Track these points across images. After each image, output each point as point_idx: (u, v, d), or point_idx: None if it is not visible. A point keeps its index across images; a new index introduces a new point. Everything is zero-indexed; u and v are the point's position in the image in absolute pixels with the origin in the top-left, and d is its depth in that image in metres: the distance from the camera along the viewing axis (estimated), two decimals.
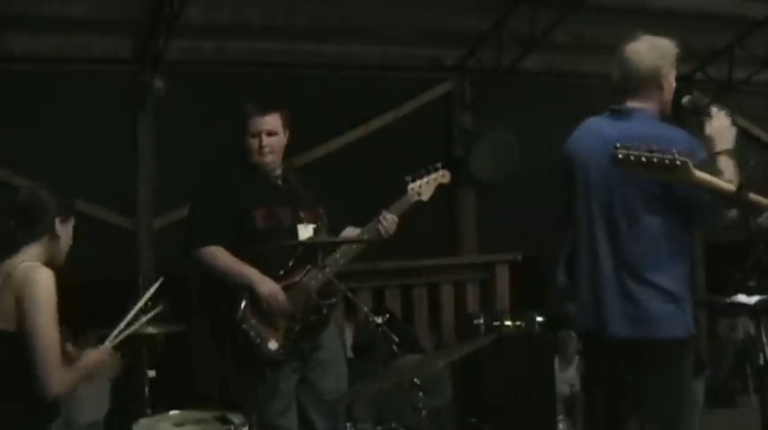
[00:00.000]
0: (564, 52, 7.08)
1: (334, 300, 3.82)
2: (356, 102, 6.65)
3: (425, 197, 3.93)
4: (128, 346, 5.08)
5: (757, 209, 2.65)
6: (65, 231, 2.94)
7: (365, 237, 3.81)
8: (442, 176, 3.96)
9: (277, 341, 3.63)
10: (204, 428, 3.18)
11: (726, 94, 7.48)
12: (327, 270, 3.70)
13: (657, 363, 3.10)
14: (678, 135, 3.10)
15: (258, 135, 3.82)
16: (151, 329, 3.82)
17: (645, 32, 3.23)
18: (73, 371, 2.81)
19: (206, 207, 3.75)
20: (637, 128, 3.08)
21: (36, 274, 2.77)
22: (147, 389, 3.77)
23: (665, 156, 2.41)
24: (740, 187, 2.57)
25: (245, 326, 3.57)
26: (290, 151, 6.54)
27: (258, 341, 3.58)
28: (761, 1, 6.65)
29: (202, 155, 5.79)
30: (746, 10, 6.85)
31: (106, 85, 5.89)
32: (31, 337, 2.70)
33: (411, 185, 3.91)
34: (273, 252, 3.65)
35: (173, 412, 3.28)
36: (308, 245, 3.73)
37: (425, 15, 6.40)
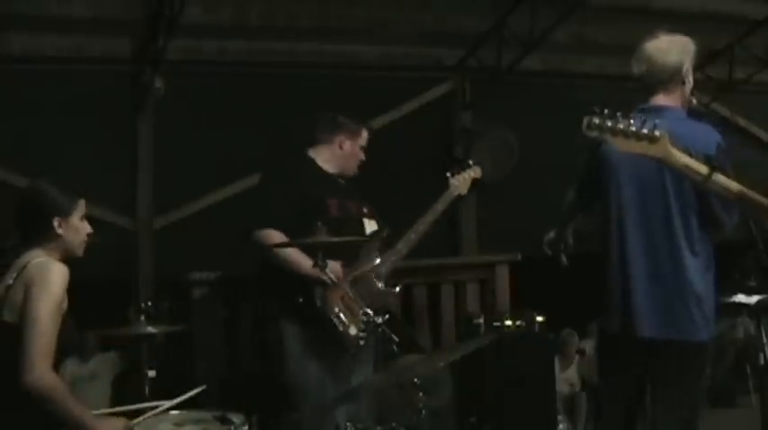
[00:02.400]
0: (564, 52, 7.08)
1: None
2: (356, 102, 6.65)
3: (464, 191, 4.23)
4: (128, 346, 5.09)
5: (726, 193, 2.52)
6: (68, 229, 2.89)
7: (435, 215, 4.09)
8: (474, 173, 4.27)
9: (356, 327, 3.76)
10: (204, 428, 3.18)
11: (726, 94, 7.49)
12: (394, 258, 3.96)
13: (680, 366, 3.10)
14: (712, 135, 3.09)
15: (364, 149, 4.11)
16: (151, 329, 3.81)
17: (654, 32, 3.23)
18: (63, 388, 2.70)
19: (274, 191, 3.82)
20: (670, 126, 3.07)
21: (49, 266, 2.76)
22: (147, 389, 3.76)
23: (643, 126, 2.31)
24: (712, 169, 2.45)
25: (330, 314, 3.68)
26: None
27: (342, 328, 3.73)
28: (761, 1, 6.66)
29: (202, 155, 5.80)
30: (746, 10, 6.86)
31: (106, 85, 5.89)
32: (26, 321, 2.65)
33: (452, 181, 4.20)
34: (345, 243, 3.76)
35: (173, 412, 3.27)
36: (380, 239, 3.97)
37: (425, 15, 6.40)
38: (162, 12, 5.40)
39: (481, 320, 5.54)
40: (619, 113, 2.31)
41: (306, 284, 3.72)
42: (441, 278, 6.29)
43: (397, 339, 3.77)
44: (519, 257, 6.20)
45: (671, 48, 3.18)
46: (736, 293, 4.20)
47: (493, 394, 5.19)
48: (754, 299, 4.05)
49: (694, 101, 3.25)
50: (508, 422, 5.09)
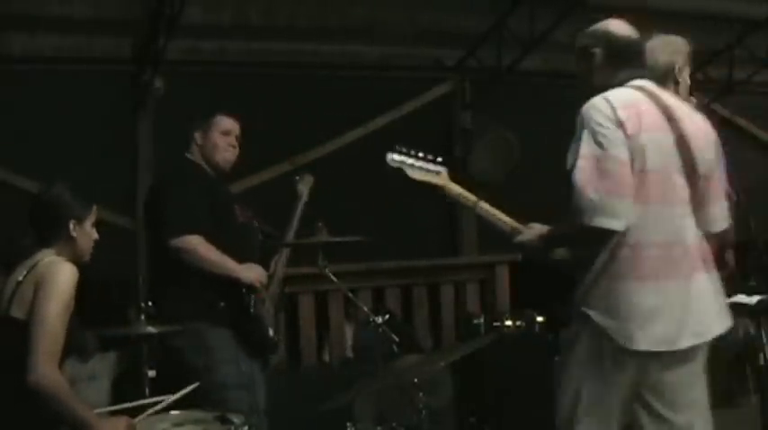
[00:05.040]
0: (564, 52, 7.06)
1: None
2: (356, 102, 6.66)
3: (307, 199, 4.31)
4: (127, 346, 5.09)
5: (495, 220, 3.06)
6: (81, 232, 2.96)
7: None
8: (309, 181, 4.39)
9: (272, 329, 3.86)
10: (204, 428, 3.18)
11: (726, 94, 7.49)
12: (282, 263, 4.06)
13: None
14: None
15: (230, 133, 4.00)
16: (151, 329, 3.81)
17: (655, 32, 3.27)
18: (68, 388, 2.73)
19: (188, 196, 3.78)
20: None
21: (59, 267, 2.79)
22: (147, 390, 3.77)
23: (429, 163, 2.95)
24: (477, 200, 3.00)
25: (259, 315, 3.72)
26: (290, 151, 6.58)
27: (266, 329, 3.82)
28: (761, 1, 6.65)
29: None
30: (746, 10, 6.85)
31: (106, 84, 5.89)
32: (34, 320, 2.68)
33: (299, 187, 4.37)
34: (248, 246, 3.87)
35: (173, 412, 3.28)
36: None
37: (425, 15, 6.40)
38: (162, 12, 5.40)
39: (481, 320, 5.54)
40: (412, 151, 3.05)
41: (227, 287, 3.73)
42: (441, 278, 6.29)
43: (397, 339, 3.79)
44: (519, 257, 6.20)
45: (663, 48, 3.23)
46: (736, 293, 4.20)
47: (493, 394, 5.19)
48: (754, 299, 4.05)
49: (694, 101, 3.26)
50: (508, 422, 5.10)
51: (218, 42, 6.16)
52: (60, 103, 5.73)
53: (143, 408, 3.11)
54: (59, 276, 2.75)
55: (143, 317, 3.86)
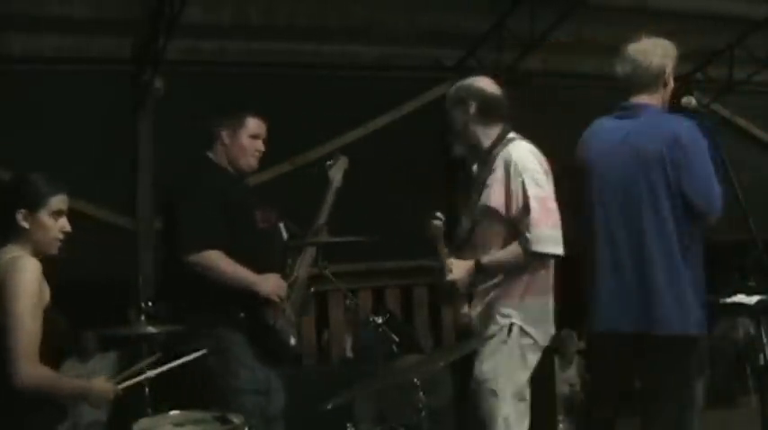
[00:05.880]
0: (564, 52, 7.08)
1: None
2: (356, 102, 6.65)
3: (340, 184, 4.14)
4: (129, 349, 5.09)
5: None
6: (35, 223, 2.80)
7: None
8: (344, 163, 4.21)
9: (294, 337, 3.78)
10: (204, 428, 3.18)
11: (726, 94, 7.49)
12: (308, 262, 3.95)
13: (664, 361, 3.12)
14: (683, 125, 3.14)
15: (258, 137, 3.85)
16: (151, 329, 3.81)
17: (645, 33, 3.28)
18: (52, 375, 2.74)
19: (204, 206, 3.66)
20: (643, 123, 3.18)
21: (20, 263, 2.72)
22: (147, 389, 3.77)
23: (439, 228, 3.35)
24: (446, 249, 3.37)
25: (277, 326, 3.67)
26: (291, 151, 6.57)
27: (286, 338, 3.75)
28: (761, 1, 6.66)
29: (202, 155, 5.79)
30: (746, 10, 6.86)
31: (106, 84, 5.88)
32: (7, 323, 2.64)
33: (331, 173, 4.16)
34: (270, 252, 3.76)
35: (173, 412, 3.27)
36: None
37: (425, 16, 6.40)
38: (162, 12, 5.40)
39: None
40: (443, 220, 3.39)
41: (246, 299, 3.66)
42: None
43: (397, 339, 3.79)
44: None
45: (655, 50, 3.25)
46: (736, 293, 4.20)
47: None
48: (754, 299, 4.05)
49: (694, 101, 3.27)
50: None
51: (218, 42, 6.16)
52: (60, 103, 5.73)
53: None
54: (20, 274, 2.69)
55: (143, 317, 3.86)
